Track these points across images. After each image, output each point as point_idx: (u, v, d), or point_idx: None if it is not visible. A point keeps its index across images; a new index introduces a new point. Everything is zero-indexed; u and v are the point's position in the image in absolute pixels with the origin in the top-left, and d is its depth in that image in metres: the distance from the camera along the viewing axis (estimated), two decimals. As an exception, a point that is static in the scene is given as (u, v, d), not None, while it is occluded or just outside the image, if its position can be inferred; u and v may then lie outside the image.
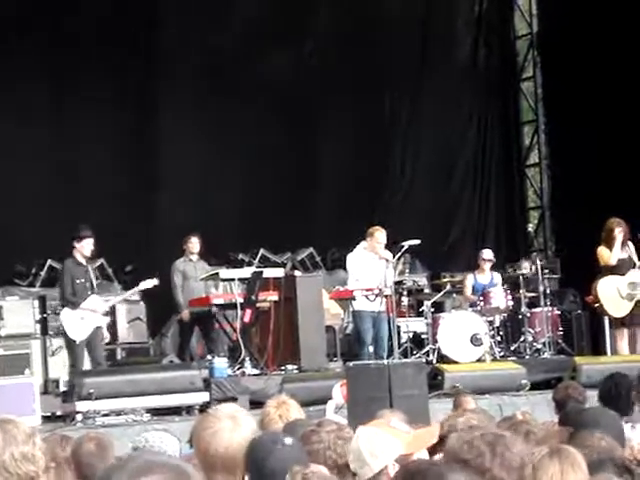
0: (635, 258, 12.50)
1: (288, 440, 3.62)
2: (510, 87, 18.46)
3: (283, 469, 3.50)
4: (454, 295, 14.60)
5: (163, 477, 2.02)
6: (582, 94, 16.33)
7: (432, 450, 3.84)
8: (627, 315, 12.38)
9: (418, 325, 13.96)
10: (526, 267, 14.55)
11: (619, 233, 12.30)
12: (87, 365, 11.40)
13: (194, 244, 13.10)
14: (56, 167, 14.58)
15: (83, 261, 11.37)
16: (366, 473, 3.60)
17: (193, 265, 13.07)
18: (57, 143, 14.67)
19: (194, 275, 12.95)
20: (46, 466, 3.49)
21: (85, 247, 11.32)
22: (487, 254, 14.05)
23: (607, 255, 12.36)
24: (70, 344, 11.27)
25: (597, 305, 12.58)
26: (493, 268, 14.10)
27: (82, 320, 11.16)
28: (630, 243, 12.51)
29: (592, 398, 7.55)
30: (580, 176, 16.41)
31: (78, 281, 11.27)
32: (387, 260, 12.13)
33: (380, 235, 12.23)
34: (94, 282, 11.43)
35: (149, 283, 11.62)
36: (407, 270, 15.02)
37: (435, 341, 13.13)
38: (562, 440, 4.44)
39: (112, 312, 12.42)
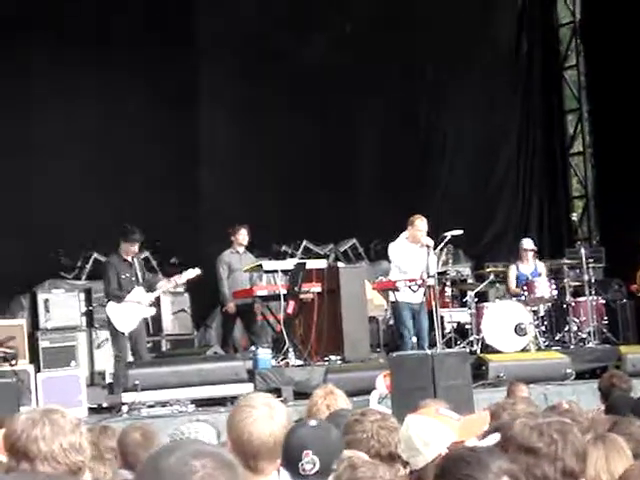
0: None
1: (313, 422, 3.64)
2: (553, 76, 18.33)
3: (301, 445, 3.52)
4: (497, 285, 14.54)
5: (212, 462, 2.05)
6: (625, 82, 16.20)
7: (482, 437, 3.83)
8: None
9: (462, 315, 13.92)
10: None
11: None
12: (131, 357, 11.50)
13: (243, 236, 13.11)
14: (102, 160, 14.63)
15: (129, 257, 11.45)
16: (419, 462, 3.59)
17: (239, 257, 13.09)
18: (102, 133, 14.72)
19: (240, 267, 12.98)
20: (91, 456, 3.52)
21: (130, 249, 11.41)
22: (527, 244, 14.00)
23: None
24: (116, 336, 11.34)
25: (640, 294, 12.50)
26: (536, 257, 14.04)
27: (128, 312, 11.24)
28: None
29: (637, 387, 7.52)
30: (624, 165, 16.29)
31: (123, 276, 11.35)
32: (428, 247, 12.07)
33: (421, 223, 12.18)
34: (139, 275, 11.49)
35: (191, 273, 11.65)
36: (450, 261, 14.96)
37: (479, 331, 13.10)
38: (607, 428, 4.43)
39: (157, 304, 12.47)
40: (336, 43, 16.04)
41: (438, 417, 3.72)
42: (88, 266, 14.48)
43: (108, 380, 11.92)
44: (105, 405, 10.95)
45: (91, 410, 10.66)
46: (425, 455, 3.58)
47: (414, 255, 12.17)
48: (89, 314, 13.58)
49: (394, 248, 12.40)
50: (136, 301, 11.29)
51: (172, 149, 15.11)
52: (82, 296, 13.66)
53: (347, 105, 16.21)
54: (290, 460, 3.52)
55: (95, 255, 14.39)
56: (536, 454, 3.05)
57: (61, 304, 13.37)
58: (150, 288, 11.57)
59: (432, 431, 3.65)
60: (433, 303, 12.04)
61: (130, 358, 11.26)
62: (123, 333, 11.23)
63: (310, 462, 3.49)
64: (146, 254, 13.96)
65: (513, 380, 9.06)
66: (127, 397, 10.28)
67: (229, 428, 3.77)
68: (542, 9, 18.30)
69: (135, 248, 11.43)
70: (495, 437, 3.39)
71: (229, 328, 13.43)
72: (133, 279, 11.41)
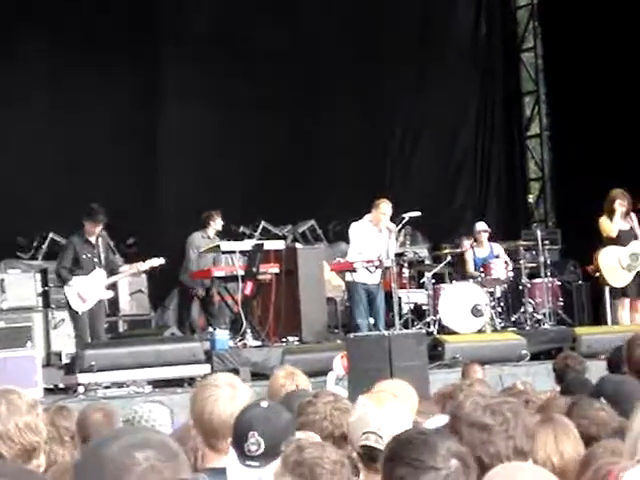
0: (637, 230, 12.50)
1: (264, 403, 3.66)
2: (511, 58, 18.40)
3: (247, 426, 3.53)
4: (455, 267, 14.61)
5: (155, 454, 2.04)
6: (582, 64, 16.29)
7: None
8: (627, 285, 12.41)
9: (419, 296, 13.99)
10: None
11: (620, 205, 12.31)
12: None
13: (219, 222, 13.09)
14: (58, 140, 14.56)
15: (92, 239, 11.38)
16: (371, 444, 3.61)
17: (210, 242, 13.03)
18: (58, 116, 14.64)
19: None
20: (49, 437, 3.50)
21: (93, 229, 11.33)
22: (480, 226, 14.13)
23: (608, 227, 12.38)
24: (74, 316, 11.31)
25: (597, 275, 12.62)
26: (492, 239, 14.14)
27: (85, 292, 11.19)
28: (633, 215, 12.52)
29: (591, 368, 7.59)
30: (581, 147, 16.40)
31: (84, 256, 11.29)
32: (390, 231, 12.12)
33: (385, 206, 12.23)
34: (102, 257, 11.41)
35: (155, 262, 11.61)
36: (408, 242, 15.03)
37: (436, 312, 13.17)
38: (561, 410, 4.46)
39: (114, 284, 12.43)
40: (298, 40, 16.03)
41: (391, 399, 3.74)
42: (44, 246, 14.40)
43: (65, 361, 11.87)
44: (61, 386, 10.89)
45: (47, 391, 10.59)
46: (377, 437, 3.60)
47: (374, 237, 12.22)
48: (45, 294, 13.49)
49: (355, 228, 12.44)
50: (94, 282, 11.24)
51: (132, 135, 15.14)
52: (38, 276, 13.56)
53: (307, 90, 16.22)
54: (237, 440, 3.55)
55: (52, 235, 14.30)
56: (490, 431, 3.08)
57: (17, 284, 13.28)
58: (112, 272, 11.52)
59: (384, 415, 3.67)
60: (393, 285, 12.09)
61: (89, 339, 11.23)
62: (77, 312, 11.19)
63: (255, 443, 3.49)
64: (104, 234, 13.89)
65: (468, 361, 9.12)
66: (83, 378, 10.24)
67: (192, 405, 3.83)
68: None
69: (99, 229, 11.35)
70: (443, 419, 3.42)
71: (186, 309, 13.41)
72: (95, 260, 11.34)
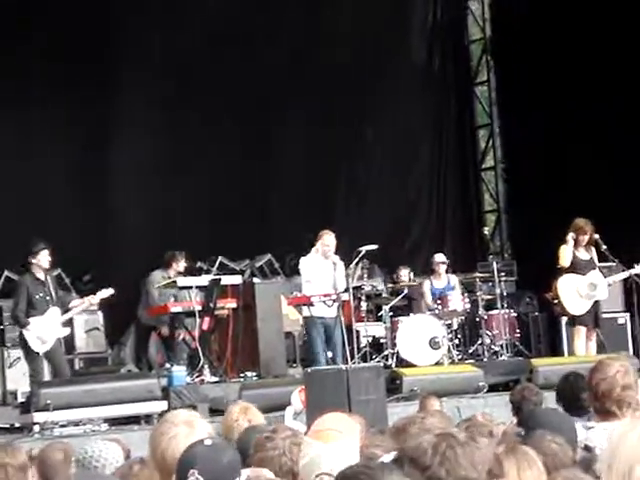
0: (596, 260, 12.62)
1: (208, 441, 3.64)
2: (465, 91, 18.58)
3: (189, 463, 3.51)
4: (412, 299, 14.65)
5: None
6: (536, 97, 16.48)
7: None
8: (584, 314, 12.49)
9: (377, 329, 14.01)
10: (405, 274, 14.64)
11: (572, 238, 12.40)
12: (48, 377, 11.36)
13: (180, 265, 13.03)
14: (8, 179, 14.47)
15: (41, 275, 11.31)
16: None
17: None
18: (7, 155, 14.55)
19: (170, 292, 12.90)
20: None
21: (42, 260, 11.27)
22: (439, 257, 14.22)
23: (562, 257, 12.47)
24: (30, 356, 11.21)
25: (556, 302, 12.69)
26: (448, 271, 14.22)
27: (43, 332, 11.11)
28: (593, 246, 12.63)
29: (549, 399, 7.63)
30: (535, 179, 16.56)
31: (37, 296, 11.22)
32: (334, 263, 12.10)
33: (328, 238, 12.23)
34: (54, 294, 11.35)
35: (105, 293, 11.59)
36: (365, 275, 15.06)
37: (394, 345, 13.19)
38: (515, 441, 4.48)
39: (70, 322, 12.34)
40: (250, 70, 16.08)
41: (333, 436, 3.73)
42: (-1, 284, 14.28)
43: (20, 399, 11.74)
44: (17, 425, 10.77)
45: (2, 430, 10.48)
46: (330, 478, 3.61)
47: (324, 269, 12.21)
48: (0, 333, 13.35)
49: (304, 262, 12.45)
50: (50, 321, 11.17)
51: (84, 172, 15.08)
52: (-7, 314, 13.43)
53: (264, 118, 16.26)
54: (179, 477, 3.53)
55: (6, 273, 14.18)
56: (429, 469, 3.04)
57: (-29, 323, 13.14)
58: (63, 306, 11.45)
59: (334, 454, 3.67)
60: (350, 320, 12.08)
61: (47, 378, 11.13)
62: (37, 353, 11.10)
63: None
64: (58, 271, 13.80)
65: (425, 394, 9.12)
66: (39, 417, 10.13)
67: (150, 441, 3.84)
68: (453, 26, 18.54)
69: (47, 258, 11.27)
70: (392, 455, 3.42)
71: (144, 345, 13.32)
72: (47, 298, 11.28)
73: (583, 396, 5.35)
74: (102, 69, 15.32)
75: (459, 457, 3.05)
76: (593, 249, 12.58)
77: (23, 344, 11.27)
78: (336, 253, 12.28)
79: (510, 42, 17.37)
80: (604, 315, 12.82)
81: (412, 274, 14.83)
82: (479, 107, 18.66)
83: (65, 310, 11.45)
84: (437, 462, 3.05)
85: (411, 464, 3.08)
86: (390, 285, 14.38)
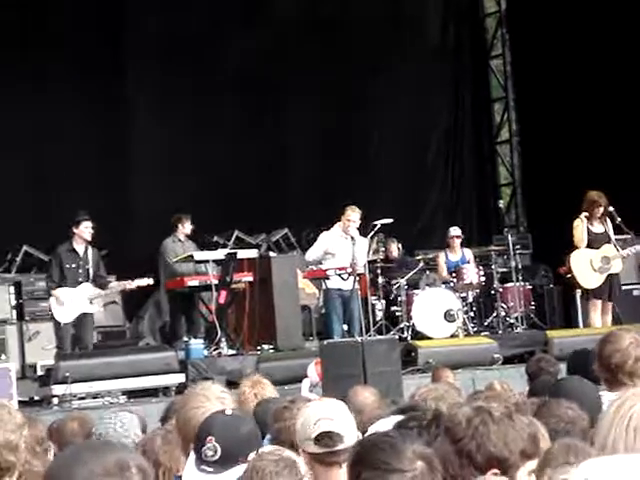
0: (611, 233, 12.60)
1: (228, 411, 3.68)
2: (480, 65, 18.54)
3: (207, 431, 3.56)
4: (428, 272, 14.71)
5: None
6: (551, 70, 16.44)
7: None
8: (598, 287, 12.49)
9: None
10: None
11: (584, 217, 12.32)
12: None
13: (188, 226, 13.04)
14: (28, 154, 14.56)
15: (80, 248, 11.37)
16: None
17: (182, 245, 13.01)
18: (29, 131, 14.63)
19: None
20: (25, 461, 3.45)
21: (84, 231, 11.35)
22: (454, 231, 14.22)
23: (578, 236, 12.41)
24: (55, 325, 11.33)
25: (569, 276, 12.68)
26: (464, 244, 14.25)
27: (68, 304, 11.20)
28: (608, 218, 12.60)
29: (564, 371, 7.67)
30: (551, 152, 16.54)
31: (68, 266, 11.29)
32: (353, 238, 12.11)
33: (352, 213, 12.25)
34: (91, 270, 11.40)
35: (143, 281, 11.65)
36: (381, 249, 15.09)
37: (409, 318, 13.25)
38: (531, 410, 4.53)
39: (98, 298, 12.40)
40: (265, 40, 16.07)
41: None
42: (18, 259, 14.37)
43: (39, 373, 11.86)
44: (36, 398, 10.90)
45: (22, 403, 10.59)
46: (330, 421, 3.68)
47: (344, 244, 12.24)
48: (19, 307, 13.47)
49: (324, 235, 12.49)
50: (78, 295, 11.25)
51: (101, 149, 15.14)
52: (12, 289, 13.54)
53: (277, 98, 16.29)
54: (196, 444, 3.58)
55: (25, 248, 14.28)
56: (459, 443, 3.06)
57: (-10, 297, 13.26)
58: (100, 287, 11.52)
59: (329, 405, 3.75)
60: (368, 292, 12.13)
61: (69, 350, 11.26)
62: (60, 323, 11.20)
63: (211, 449, 3.51)
64: (106, 251, 13.89)
65: (439, 365, 9.17)
66: (58, 389, 10.25)
67: (179, 410, 3.89)
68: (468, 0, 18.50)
69: (89, 230, 11.33)
70: (395, 419, 3.46)
71: (177, 317, 13.34)
72: (80, 271, 11.33)
73: (592, 368, 5.37)
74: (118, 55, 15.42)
75: (491, 434, 3.05)
76: (608, 221, 12.54)
77: (51, 314, 11.38)
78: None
79: (525, 15, 17.31)
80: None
81: (401, 246, 14.88)
82: (494, 80, 18.62)
83: (100, 288, 11.48)
84: (469, 435, 3.07)
85: (445, 433, 3.12)
86: (380, 258, 14.36)
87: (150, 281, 11.65)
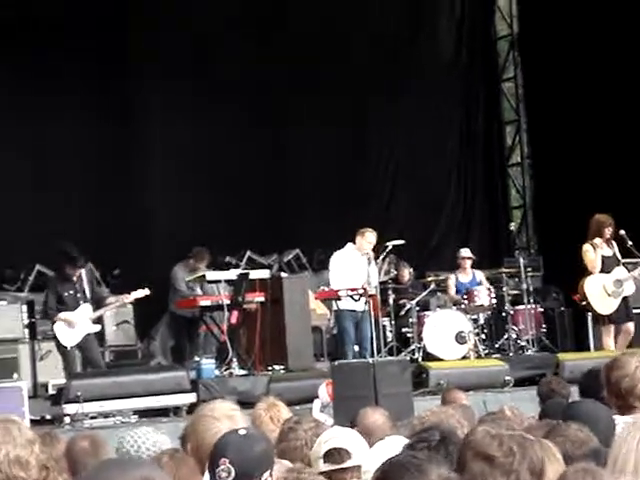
0: (619, 255, 12.59)
1: (242, 431, 3.66)
2: (492, 88, 18.60)
3: (221, 452, 3.55)
4: (439, 294, 14.73)
5: None
6: (563, 93, 16.49)
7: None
8: (614, 312, 12.46)
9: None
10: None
11: (594, 244, 12.32)
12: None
13: (205, 262, 13.12)
14: (42, 171, 14.64)
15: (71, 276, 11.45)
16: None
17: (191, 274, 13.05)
18: (42, 147, 14.70)
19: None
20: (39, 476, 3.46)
21: (75, 273, 11.39)
22: (465, 252, 14.23)
23: (591, 262, 12.37)
24: (63, 351, 11.38)
25: (584, 303, 12.63)
26: (474, 266, 14.26)
27: (72, 327, 11.25)
28: (614, 241, 12.60)
29: (575, 393, 7.67)
30: (562, 175, 16.57)
31: (66, 293, 11.36)
32: (369, 257, 12.16)
33: (371, 235, 12.30)
34: (87, 290, 11.46)
35: (140, 293, 11.68)
36: (392, 270, 15.13)
37: (420, 339, 13.26)
38: (542, 433, 4.54)
39: (100, 318, 12.48)
40: (273, 49, 16.13)
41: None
42: (31, 278, 14.45)
43: (51, 392, 11.89)
44: (48, 417, 10.92)
45: (34, 422, 10.61)
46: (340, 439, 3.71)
47: (357, 264, 12.27)
48: (32, 326, 13.51)
49: (337, 256, 12.51)
50: (81, 317, 11.30)
51: (116, 168, 15.16)
52: (24, 308, 13.59)
53: (288, 116, 16.35)
54: (211, 465, 3.56)
55: (38, 267, 14.35)
56: (492, 463, 3.03)
57: (3, 315, 13.28)
58: (98, 304, 11.58)
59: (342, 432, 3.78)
60: (379, 313, 12.13)
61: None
62: (66, 347, 11.25)
63: (225, 470, 3.49)
64: (90, 266, 13.97)
65: (450, 387, 9.16)
66: (70, 408, 10.27)
67: (190, 434, 3.87)
68: (480, 22, 18.57)
69: (78, 272, 11.43)
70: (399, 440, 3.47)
71: (174, 337, 13.40)
72: (78, 295, 11.39)
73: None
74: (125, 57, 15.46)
75: (525, 458, 3.03)
76: (614, 244, 12.54)
77: (55, 340, 11.44)
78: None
79: (537, 38, 17.37)
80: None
81: (412, 272, 14.94)
82: (506, 103, 18.67)
83: (98, 307, 11.58)
84: (503, 454, 3.03)
85: (476, 455, 3.08)
86: (391, 278, 14.41)
87: (147, 292, 11.67)
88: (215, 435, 3.73)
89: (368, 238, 12.27)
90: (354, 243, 12.38)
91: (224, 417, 3.82)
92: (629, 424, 2.56)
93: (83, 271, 11.53)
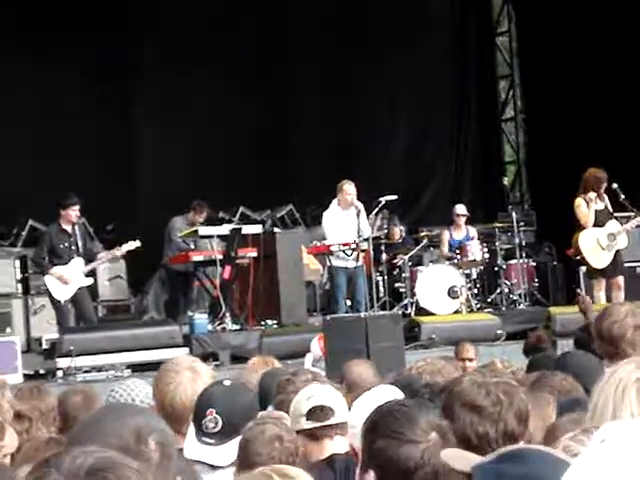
0: (611, 209, 12.58)
1: (227, 382, 3.66)
2: (486, 42, 18.51)
3: (207, 403, 3.55)
4: (432, 249, 14.75)
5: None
6: (557, 48, 16.41)
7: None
8: (607, 266, 12.48)
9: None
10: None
11: (586, 199, 12.29)
12: (73, 323, 11.56)
13: (201, 217, 13.11)
14: (38, 130, 14.59)
15: (68, 227, 11.45)
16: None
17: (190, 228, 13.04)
18: (39, 107, 14.66)
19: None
20: (14, 417, 3.46)
21: (72, 214, 11.40)
22: (460, 209, 14.22)
23: (584, 217, 12.36)
24: (55, 304, 11.39)
25: (578, 257, 12.64)
26: (468, 222, 14.27)
27: (65, 282, 11.26)
28: (605, 195, 12.58)
29: (566, 346, 7.71)
30: (556, 130, 16.53)
31: (61, 245, 11.35)
32: (358, 209, 12.13)
33: (349, 187, 12.25)
34: (80, 244, 11.48)
35: (131, 245, 11.68)
36: (385, 225, 15.13)
37: (413, 294, 13.30)
38: (527, 385, 4.57)
39: (93, 272, 12.50)
40: (272, 14, 16.07)
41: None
42: (24, 233, 14.43)
43: (44, 346, 11.93)
44: (41, 371, 10.96)
45: (27, 376, 10.67)
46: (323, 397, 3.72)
47: (346, 221, 12.25)
48: (25, 281, 13.53)
49: (326, 216, 12.50)
50: (73, 270, 11.32)
51: (110, 123, 15.14)
52: (17, 263, 13.61)
53: (284, 74, 16.28)
54: (196, 417, 3.55)
55: (31, 222, 14.34)
56: (480, 412, 3.03)
57: (-4, 271, 13.32)
58: (90, 258, 11.59)
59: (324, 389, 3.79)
60: (372, 268, 12.14)
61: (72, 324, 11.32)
62: (59, 301, 11.26)
63: (212, 420, 3.50)
64: (83, 220, 13.96)
65: (460, 341, 9.06)
66: (62, 362, 10.31)
67: (154, 392, 3.82)
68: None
69: (75, 213, 11.42)
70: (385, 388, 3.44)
71: (168, 292, 13.38)
72: (73, 248, 11.40)
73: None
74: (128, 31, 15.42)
75: (512, 406, 3.02)
76: (606, 197, 12.51)
77: (48, 293, 11.45)
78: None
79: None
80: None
81: (403, 228, 14.95)
82: (500, 58, 18.59)
83: (90, 260, 11.59)
84: (491, 403, 3.01)
85: (463, 405, 3.08)
86: (384, 240, 14.43)
87: (137, 243, 11.66)
88: (177, 387, 3.68)
89: (347, 190, 12.21)
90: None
91: (185, 369, 3.75)
92: (608, 371, 2.58)
93: (77, 225, 11.53)
